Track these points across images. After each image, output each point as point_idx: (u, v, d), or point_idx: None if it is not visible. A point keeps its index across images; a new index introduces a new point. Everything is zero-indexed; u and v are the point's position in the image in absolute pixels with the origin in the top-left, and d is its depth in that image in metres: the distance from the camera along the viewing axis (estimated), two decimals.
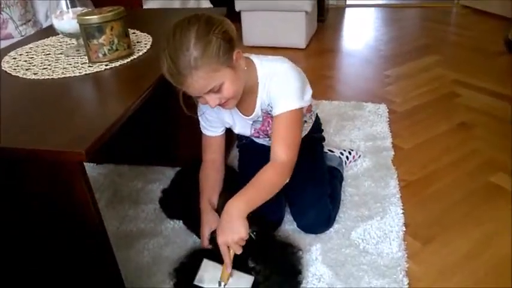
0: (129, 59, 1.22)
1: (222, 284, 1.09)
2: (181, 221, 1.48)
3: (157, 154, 1.80)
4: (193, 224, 1.38)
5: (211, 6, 3.14)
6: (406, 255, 1.30)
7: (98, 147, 0.83)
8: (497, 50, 2.89)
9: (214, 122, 1.33)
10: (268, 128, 1.33)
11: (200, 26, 1.01)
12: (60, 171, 0.84)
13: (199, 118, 1.33)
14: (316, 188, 1.42)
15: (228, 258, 1.09)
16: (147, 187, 1.69)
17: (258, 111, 1.25)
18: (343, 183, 1.63)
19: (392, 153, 1.82)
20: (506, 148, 1.81)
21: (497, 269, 1.26)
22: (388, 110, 2.16)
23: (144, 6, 2.65)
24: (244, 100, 1.19)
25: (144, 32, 1.44)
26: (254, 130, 1.34)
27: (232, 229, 1.07)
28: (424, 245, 1.35)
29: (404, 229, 1.40)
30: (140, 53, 1.25)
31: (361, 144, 1.87)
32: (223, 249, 1.09)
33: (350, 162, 1.74)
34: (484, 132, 1.95)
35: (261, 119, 1.29)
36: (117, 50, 1.19)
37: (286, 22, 3.07)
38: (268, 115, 1.27)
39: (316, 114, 1.57)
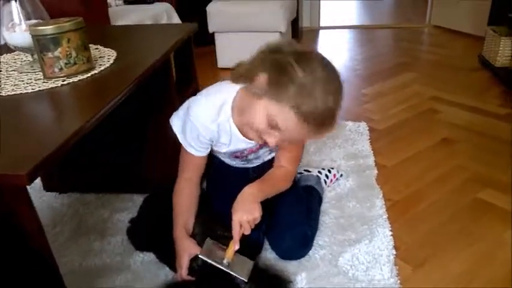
0: (89, 74, 1.10)
1: (226, 260, 1.09)
2: (151, 253, 1.34)
3: (125, 180, 1.66)
4: (165, 255, 1.24)
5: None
6: (398, 280, 1.20)
7: (45, 170, 0.70)
8: (472, 66, 2.90)
9: (205, 143, 1.21)
10: (259, 149, 1.28)
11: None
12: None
13: (188, 139, 1.19)
14: (290, 207, 1.33)
15: (237, 236, 1.10)
16: (114, 216, 1.54)
17: None
18: (327, 204, 1.52)
19: (376, 171, 1.73)
20: (491, 163, 1.76)
21: None
22: (368, 128, 2.09)
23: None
24: None
25: (108, 48, 1.33)
26: (246, 151, 1.26)
27: (249, 210, 1.11)
28: (416, 269, 1.25)
29: (395, 252, 1.30)
30: (102, 68, 1.14)
31: (343, 163, 1.79)
32: (235, 227, 1.10)
33: (332, 181, 1.65)
34: (467, 147, 1.90)
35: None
36: (75, 64, 1.07)
37: (261, 43, 3.00)
38: None
39: None
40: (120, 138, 1.58)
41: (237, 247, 1.10)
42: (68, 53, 1.06)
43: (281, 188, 1.26)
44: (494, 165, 1.75)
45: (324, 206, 1.52)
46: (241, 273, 1.08)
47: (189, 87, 1.66)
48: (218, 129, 1.16)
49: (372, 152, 1.88)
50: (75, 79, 1.08)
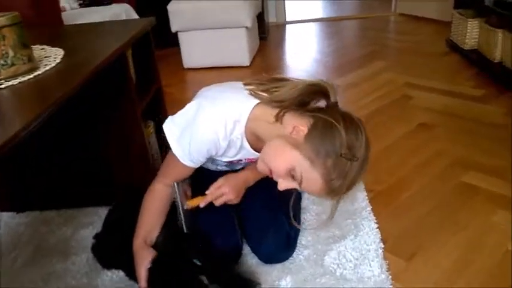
0: (31, 75, 0.97)
1: (185, 205, 1.13)
2: (120, 271, 1.22)
3: (89, 192, 1.53)
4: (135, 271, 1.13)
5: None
6: (390, 276, 1.12)
7: None
8: (441, 51, 2.88)
9: (208, 157, 1.08)
10: None
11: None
12: None
13: (191, 151, 1.03)
14: (269, 209, 1.23)
15: (210, 198, 1.11)
16: (78, 233, 1.41)
17: None
18: (306, 201, 1.44)
19: None
20: (472, 145, 1.71)
21: (491, 277, 1.10)
22: None
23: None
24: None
25: (56, 47, 1.20)
26: (245, 159, 1.17)
27: (237, 192, 1.14)
28: (408, 262, 1.18)
29: (383, 246, 1.22)
30: (47, 68, 1.01)
31: None
32: (215, 192, 1.12)
33: None
34: (446, 131, 1.85)
35: None
36: (13, 64, 0.94)
37: (227, 40, 2.92)
38: None
39: None
40: (79, 147, 1.45)
41: (202, 205, 1.11)
42: (4, 52, 0.93)
43: None
44: (475, 147, 1.70)
45: (304, 203, 1.43)
46: (186, 223, 1.13)
47: (151, 87, 1.54)
48: (228, 145, 1.03)
49: None
50: (15, 81, 0.95)
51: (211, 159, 1.18)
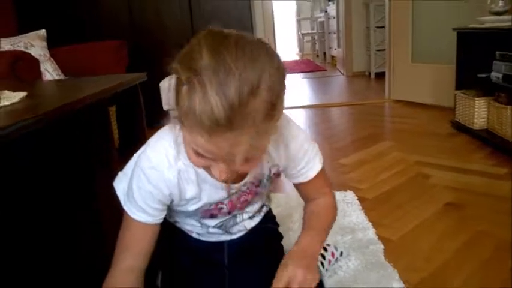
0: None
1: None
2: None
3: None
4: None
5: None
6: None
7: None
8: (447, 132, 2.73)
9: (162, 202, 0.83)
10: (248, 198, 0.92)
11: (268, 47, 0.65)
12: None
13: (138, 199, 0.82)
14: None
15: None
16: None
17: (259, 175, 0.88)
18: None
19: (382, 246, 1.36)
20: None
21: None
22: (357, 198, 1.76)
23: None
24: None
25: (18, 91, 0.96)
26: (225, 205, 0.90)
27: (308, 266, 0.83)
28: None
29: None
30: None
31: (339, 239, 1.41)
32: (278, 284, 0.79)
33: (330, 262, 1.26)
34: (478, 210, 1.59)
35: (245, 188, 0.88)
36: None
37: None
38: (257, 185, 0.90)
39: None
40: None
41: None
42: None
43: (331, 225, 0.99)
44: None
45: None
46: None
47: (136, 148, 1.29)
48: (179, 178, 0.80)
49: (369, 223, 1.52)
50: None
51: (197, 220, 0.93)
